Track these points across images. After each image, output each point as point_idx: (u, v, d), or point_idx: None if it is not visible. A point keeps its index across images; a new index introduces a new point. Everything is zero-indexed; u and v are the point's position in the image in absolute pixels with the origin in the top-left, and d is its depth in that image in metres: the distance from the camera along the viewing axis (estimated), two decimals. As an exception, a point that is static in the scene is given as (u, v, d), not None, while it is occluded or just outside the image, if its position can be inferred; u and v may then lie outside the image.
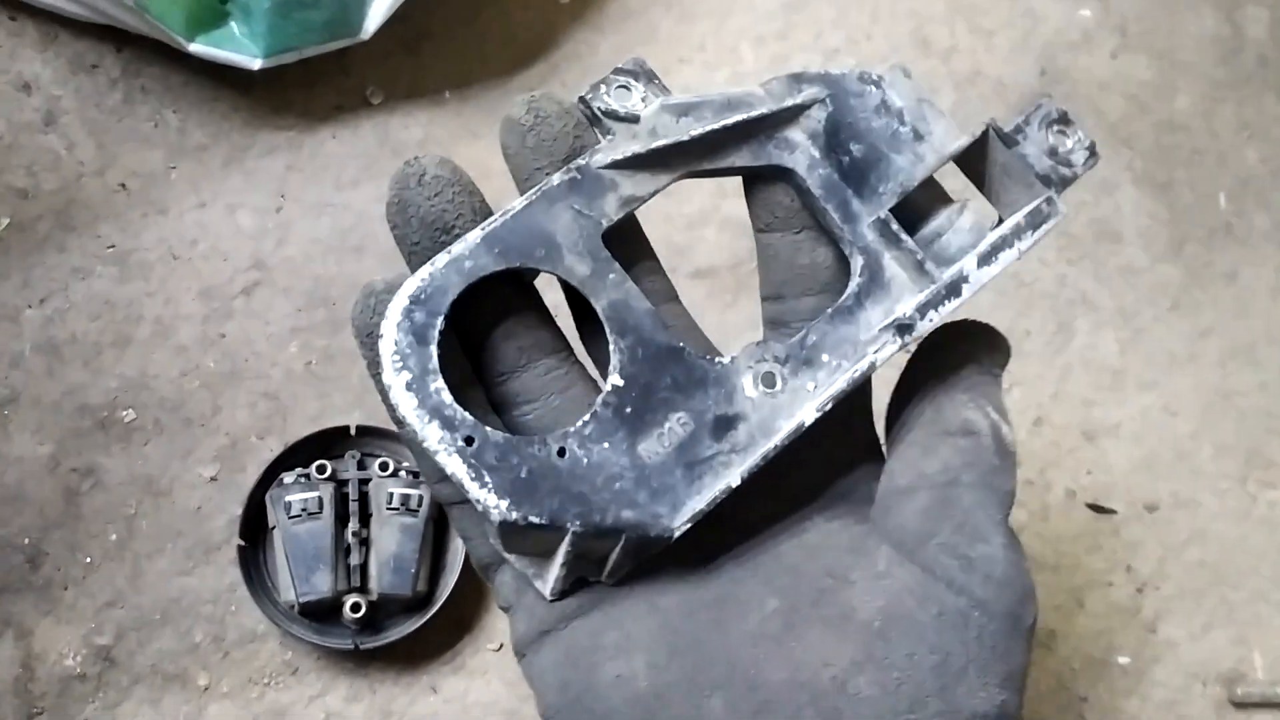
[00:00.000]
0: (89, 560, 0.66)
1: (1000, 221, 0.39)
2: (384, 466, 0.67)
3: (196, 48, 0.69)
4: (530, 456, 0.33)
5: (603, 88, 0.37)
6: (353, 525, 0.66)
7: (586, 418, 0.34)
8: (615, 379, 0.35)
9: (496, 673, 0.69)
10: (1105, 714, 0.75)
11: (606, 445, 0.34)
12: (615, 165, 0.36)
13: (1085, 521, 0.78)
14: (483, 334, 0.37)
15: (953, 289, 0.37)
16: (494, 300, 0.37)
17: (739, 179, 0.40)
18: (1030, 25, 0.88)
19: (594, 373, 0.39)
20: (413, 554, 0.65)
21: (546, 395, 0.37)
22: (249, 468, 0.69)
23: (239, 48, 0.69)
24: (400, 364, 0.33)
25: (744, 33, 0.84)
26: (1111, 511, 0.79)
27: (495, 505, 0.32)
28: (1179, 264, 0.85)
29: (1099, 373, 0.81)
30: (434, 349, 0.33)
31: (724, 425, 0.35)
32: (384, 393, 0.35)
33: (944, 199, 0.39)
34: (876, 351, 0.36)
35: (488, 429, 0.33)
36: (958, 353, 0.38)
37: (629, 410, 0.35)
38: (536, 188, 0.35)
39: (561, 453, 0.34)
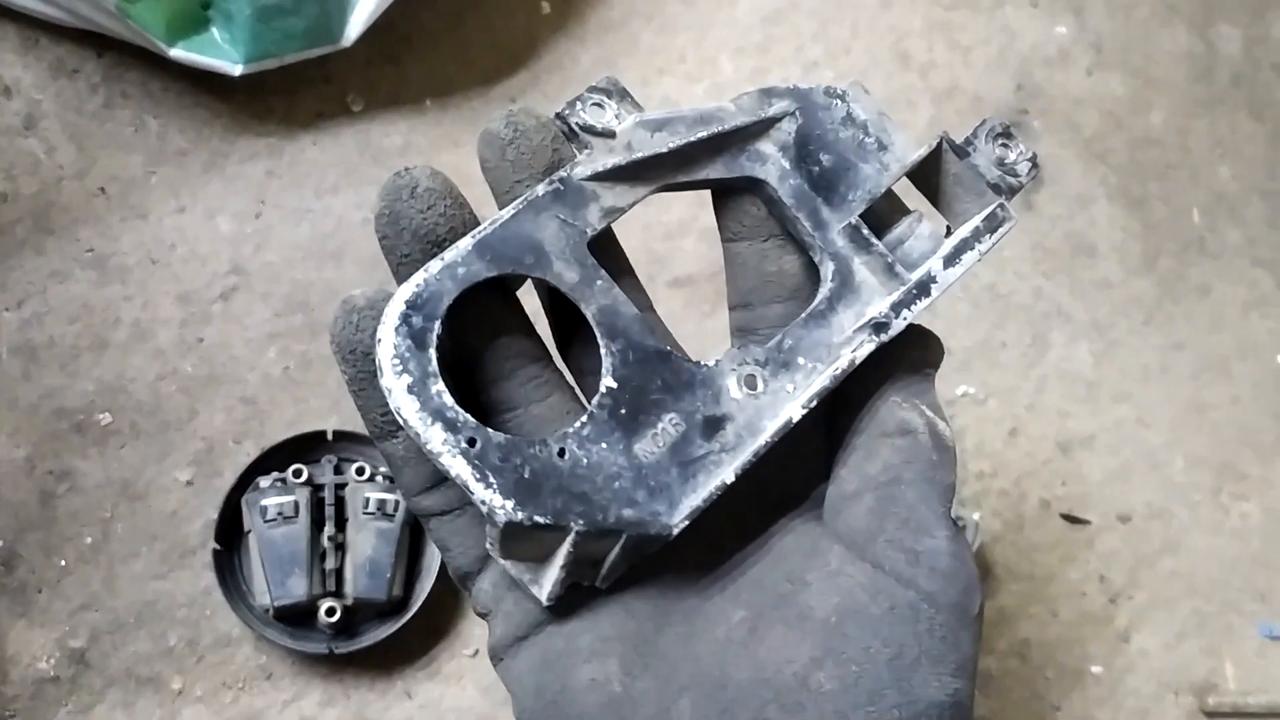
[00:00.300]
0: (64, 563, 0.66)
1: (949, 231, 0.40)
2: (360, 471, 0.67)
3: (177, 53, 0.69)
4: (532, 457, 0.34)
5: (578, 104, 0.38)
6: (328, 530, 0.66)
7: (584, 419, 0.35)
8: (609, 381, 0.36)
9: (472, 678, 0.69)
10: (1078, 723, 0.75)
11: (604, 446, 0.35)
12: (596, 177, 0.37)
13: (1060, 532, 0.79)
14: (469, 342, 0.38)
15: (922, 288, 0.38)
16: (479, 308, 0.37)
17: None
18: (1007, 41, 0.89)
19: (570, 379, 0.40)
20: (388, 559, 0.65)
21: (528, 403, 0.38)
22: (225, 472, 0.68)
23: (220, 54, 0.69)
24: (400, 368, 0.33)
25: (724, 45, 0.84)
26: (1086, 522, 0.79)
27: (500, 505, 0.33)
28: (1153, 278, 0.86)
29: (1074, 385, 0.82)
30: (433, 353, 0.33)
31: (713, 425, 0.36)
32: (361, 405, 0.36)
33: (903, 209, 0.41)
34: (854, 350, 0.38)
35: (489, 430, 0.33)
36: (891, 358, 0.39)
37: (623, 411, 0.35)
38: (522, 198, 0.36)
39: (562, 453, 0.34)
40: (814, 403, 0.37)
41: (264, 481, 0.66)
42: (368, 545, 0.66)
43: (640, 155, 0.37)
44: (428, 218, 0.35)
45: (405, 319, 0.33)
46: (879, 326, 0.38)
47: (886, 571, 0.35)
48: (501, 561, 0.36)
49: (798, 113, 0.40)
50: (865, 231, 0.39)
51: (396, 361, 0.33)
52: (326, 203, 0.74)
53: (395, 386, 0.33)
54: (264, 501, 0.65)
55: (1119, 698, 0.76)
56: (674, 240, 0.78)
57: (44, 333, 0.69)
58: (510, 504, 0.33)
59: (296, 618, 0.66)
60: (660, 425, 0.36)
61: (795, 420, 0.37)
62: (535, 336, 0.39)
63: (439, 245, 0.35)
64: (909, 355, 0.39)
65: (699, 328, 0.77)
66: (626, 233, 0.38)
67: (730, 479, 0.36)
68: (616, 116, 0.38)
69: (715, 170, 0.39)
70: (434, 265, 0.34)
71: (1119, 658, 0.77)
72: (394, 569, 0.65)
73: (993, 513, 0.77)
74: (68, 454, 0.67)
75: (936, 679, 0.33)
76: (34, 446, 0.67)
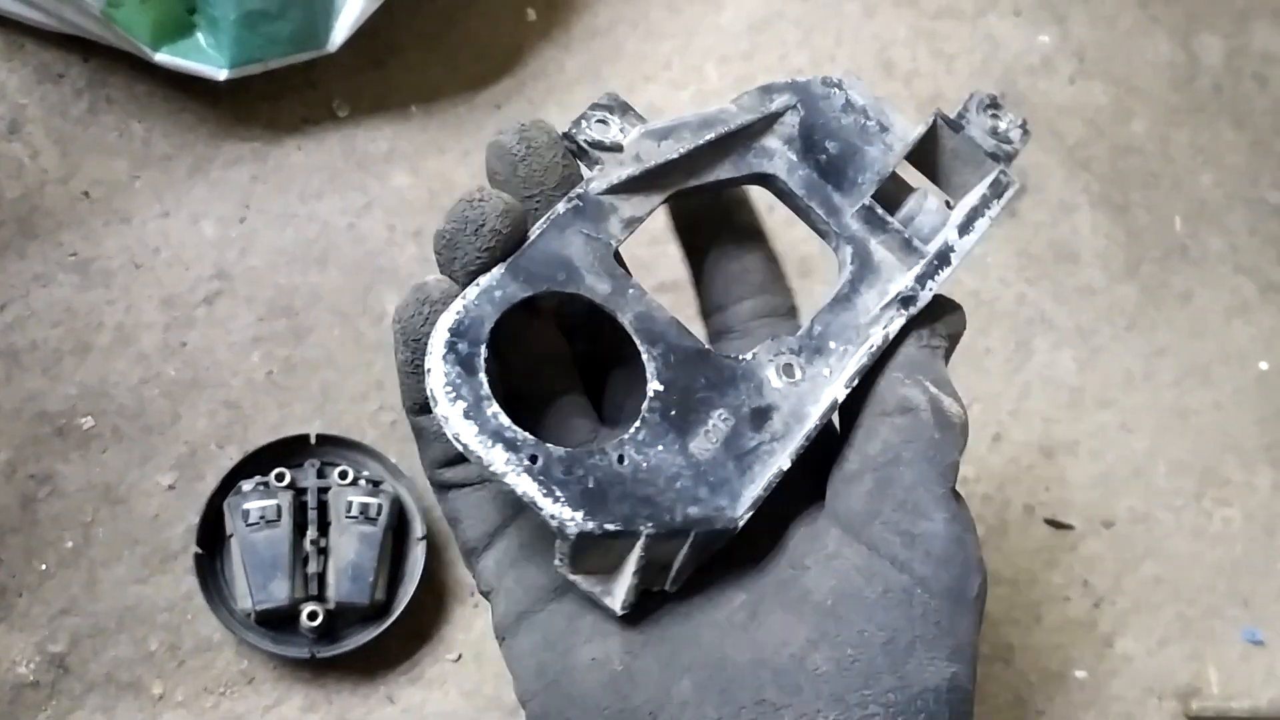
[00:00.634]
0: (44, 567, 0.66)
1: (951, 205, 0.42)
2: (343, 475, 0.67)
3: (162, 58, 0.69)
4: (594, 467, 0.34)
5: (583, 122, 0.39)
6: (311, 533, 0.66)
7: (637, 424, 0.36)
8: (655, 385, 0.36)
9: (455, 684, 0.69)
10: (1062, 728, 0.75)
11: (660, 448, 0.36)
12: (611, 190, 0.38)
13: (1043, 537, 0.79)
14: (510, 362, 0.39)
15: (942, 259, 0.40)
16: (516, 328, 0.38)
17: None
18: (990, 50, 0.90)
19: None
20: (371, 562, 0.65)
21: (569, 417, 0.39)
22: (208, 476, 0.68)
23: (205, 59, 0.70)
24: (454, 395, 0.33)
25: (709, 52, 0.85)
26: (1069, 527, 0.79)
27: (570, 518, 0.33)
28: (1135, 284, 0.86)
29: (1057, 390, 0.82)
30: (483, 377, 0.34)
31: (760, 416, 0.37)
32: (405, 386, 0.37)
33: (908, 188, 0.42)
34: (886, 328, 0.39)
35: (549, 445, 0.34)
36: (902, 334, 0.39)
37: (673, 413, 0.36)
38: (545, 218, 0.37)
39: (621, 459, 0.35)
40: (855, 381, 0.38)
41: (246, 485, 0.66)
42: (350, 549, 0.65)
43: (651, 164, 0.39)
44: (482, 257, 0.36)
45: (451, 346, 0.34)
46: (906, 300, 0.39)
47: (882, 555, 0.35)
48: (571, 577, 0.36)
49: (799, 105, 0.41)
50: (880, 211, 0.40)
51: (449, 389, 0.33)
52: (311, 208, 0.75)
53: (451, 414, 0.33)
54: (246, 505, 0.65)
55: (1103, 702, 0.76)
56: (659, 245, 0.78)
57: (26, 336, 0.68)
58: (580, 515, 0.33)
59: (278, 622, 0.65)
60: (710, 422, 0.37)
61: (840, 400, 0.38)
62: (568, 351, 0.40)
63: (484, 273, 0.36)
64: (918, 326, 0.39)
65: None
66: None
67: (786, 465, 0.37)
68: (621, 130, 0.39)
69: (725, 170, 0.40)
70: (471, 292, 0.35)
71: (1103, 662, 0.77)
72: (376, 573, 0.65)
73: (976, 518, 0.77)
74: (49, 458, 0.67)
75: (932, 663, 0.34)
76: (15, 450, 0.67)
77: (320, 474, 0.68)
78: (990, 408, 0.81)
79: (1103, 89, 0.91)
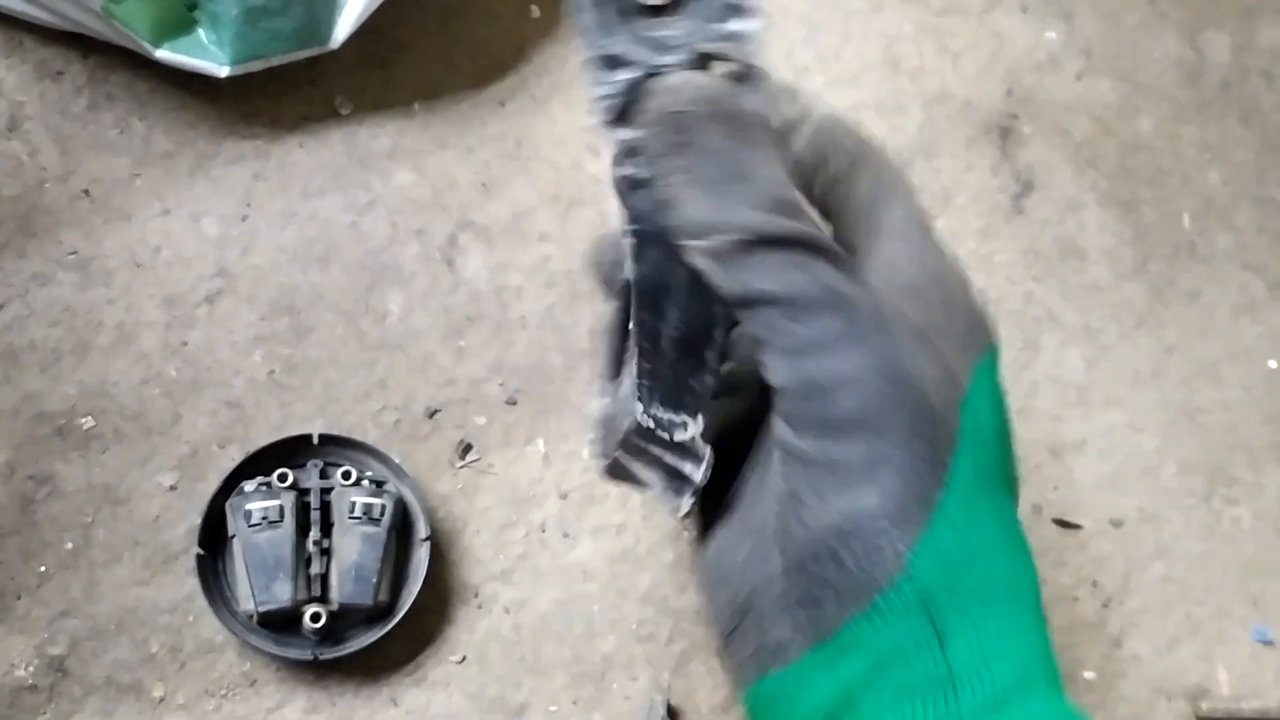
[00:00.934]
0: (43, 569, 0.65)
1: None
2: (346, 475, 0.67)
3: (163, 55, 0.68)
4: None
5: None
6: (314, 534, 0.65)
7: None
8: None
9: (458, 685, 0.68)
10: (1071, 730, 0.75)
11: None
12: None
13: (1051, 537, 0.78)
14: None
15: None
16: None
17: None
18: (997, 47, 0.89)
19: None
20: (374, 563, 0.65)
21: None
22: (209, 476, 0.68)
23: (206, 55, 0.69)
24: None
25: (713, 49, 0.84)
26: (1077, 527, 0.79)
27: None
28: (1143, 282, 0.86)
29: (1065, 389, 0.82)
30: None
31: None
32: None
33: None
34: None
35: None
36: None
37: None
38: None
39: None
40: None
41: (248, 486, 0.66)
42: (354, 550, 0.65)
43: None
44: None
45: None
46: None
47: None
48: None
49: None
50: None
51: None
52: (313, 206, 0.74)
53: None
54: (248, 506, 0.64)
55: (1112, 703, 0.75)
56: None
57: (25, 336, 0.68)
58: None
59: (281, 624, 0.65)
60: None
61: None
62: None
63: None
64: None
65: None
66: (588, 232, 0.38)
67: None
68: None
69: None
70: None
71: (1111, 663, 0.76)
72: (380, 574, 0.65)
73: (984, 518, 0.77)
74: (48, 458, 0.66)
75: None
76: (14, 451, 0.66)
77: (323, 474, 0.67)
78: (998, 407, 0.80)
79: (1110, 86, 0.90)
